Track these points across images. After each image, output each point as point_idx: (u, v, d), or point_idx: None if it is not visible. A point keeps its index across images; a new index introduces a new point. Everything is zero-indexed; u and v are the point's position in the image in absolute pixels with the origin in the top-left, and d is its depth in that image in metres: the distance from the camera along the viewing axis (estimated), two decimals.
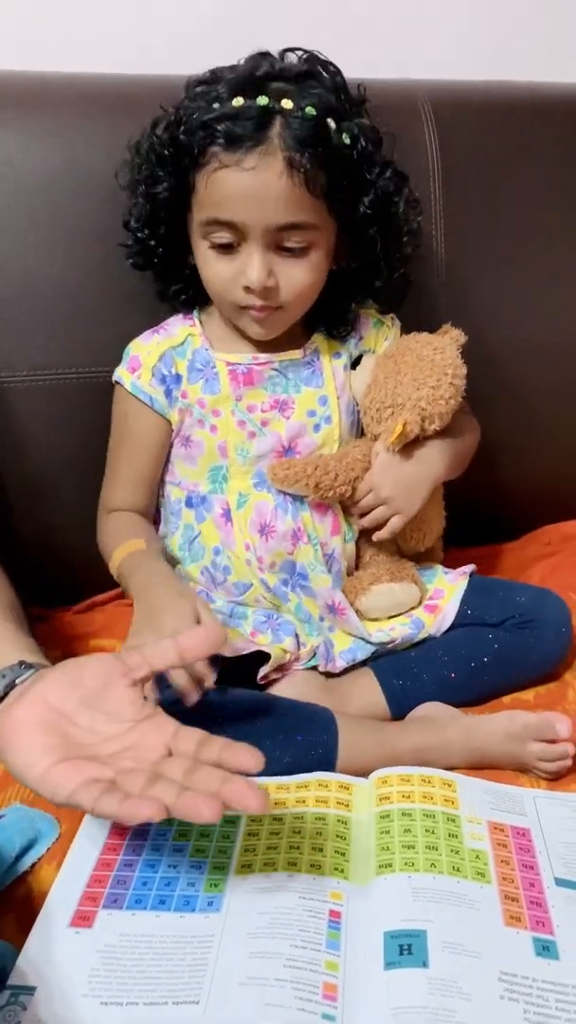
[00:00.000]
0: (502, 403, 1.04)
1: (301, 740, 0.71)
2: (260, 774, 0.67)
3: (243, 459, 0.81)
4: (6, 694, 0.59)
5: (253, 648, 0.79)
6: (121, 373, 0.83)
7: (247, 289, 0.73)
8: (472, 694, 0.80)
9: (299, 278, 0.74)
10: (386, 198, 0.77)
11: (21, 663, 0.62)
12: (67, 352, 0.88)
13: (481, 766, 0.73)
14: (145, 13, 1.02)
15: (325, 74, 0.74)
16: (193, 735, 0.56)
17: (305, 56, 0.75)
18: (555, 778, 0.72)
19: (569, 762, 0.72)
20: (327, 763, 0.71)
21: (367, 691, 0.80)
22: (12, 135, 0.85)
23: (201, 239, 0.75)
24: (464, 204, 0.98)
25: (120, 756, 0.55)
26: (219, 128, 0.69)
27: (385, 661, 0.83)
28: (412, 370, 0.80)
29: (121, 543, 0.79)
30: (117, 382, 0.83)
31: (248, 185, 0.70)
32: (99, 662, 0.60)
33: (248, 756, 0.54)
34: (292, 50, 0.75)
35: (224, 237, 0.73)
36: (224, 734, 0.68)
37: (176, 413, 0.81)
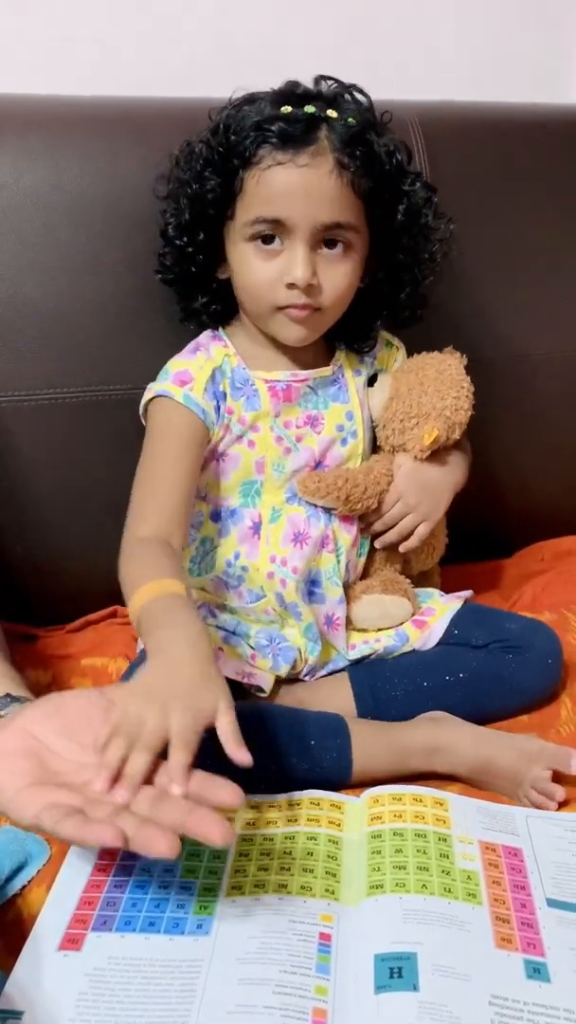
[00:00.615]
0: (496, 420, 1.04)
1: (315, 745, 0.72)
2: (281, 784, 0.69)
3: (279, 474, 0.82)
4: None
5: (249, 681, 0.80)
6: (168, 387, 0.80)
7: (290, 286, 0.75)
8: (442, 707, 0.79)
9: (340, 279, 0.76)
10: (417, 208, 0.81)
11: (7, 695, 0.64)
12: (63, 373, 0.88)
13: (480, 779, 0.73)
14: (143, 36, 1.03)
15: (354, 98, 0.78)
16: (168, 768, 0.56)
17: (335, 84, 0.79)
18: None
19: (554, 805, 0.71)
20: (343, 766, 0.72)
21: (337, 690, 0.81)
22: (7, 157, 0.86)
23: (244, 241, 0.76)
24: (454, 223, 0.99)
25: (93, 784, 0.55)
26: (272, 128, 0.73)
27: (360, 664, 0.84)
28: (434, 383, 0.85)
29: (132, 592, 0.67)
30: (162, 395, 0.80)
31: (300, 182, 0.73)
32: (80, 697, 0.60)
33: (227, 791, 0.52)
34: (325, 78, 0.79)
35: (268, 231, 0.74)
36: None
37: (220, 430, 0.81)
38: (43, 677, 0.88)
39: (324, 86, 0.78)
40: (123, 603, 0.97)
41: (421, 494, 0.84)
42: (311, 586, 0.83)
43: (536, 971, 0.55)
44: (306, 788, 0.71)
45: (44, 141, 0.87)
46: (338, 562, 0.83)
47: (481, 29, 1.17)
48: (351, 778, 0.72)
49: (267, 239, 0.75)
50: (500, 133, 1.03)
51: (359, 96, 0.79)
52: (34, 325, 0.87)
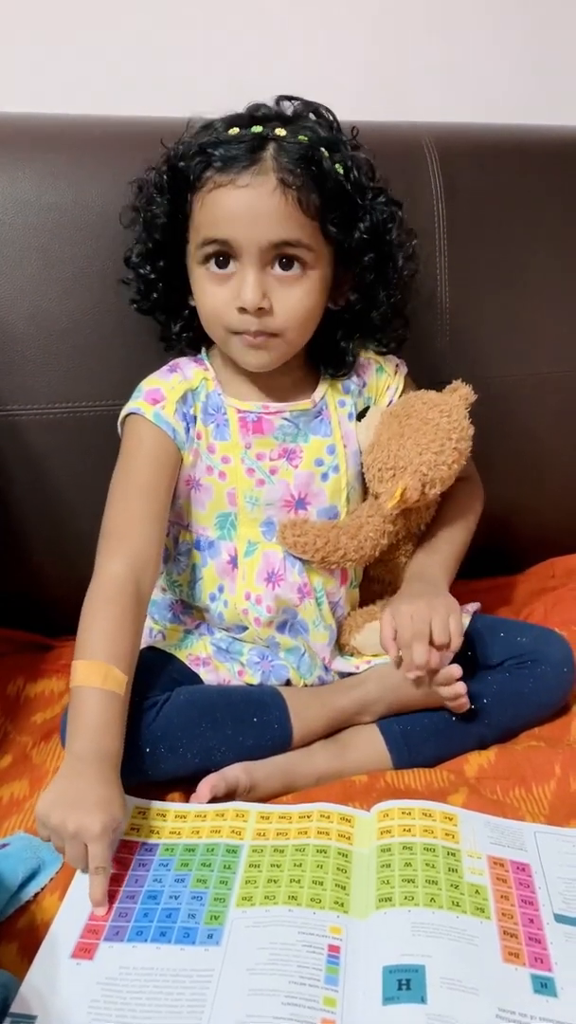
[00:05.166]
0: (506, 438, 1.05)
1: (257, 722, 0.76)
2: (225, 759, 0.73)
3: (252, 506, 0.81)
4: None
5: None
6: (139, 405, 0.79)
7: (242, 311, 0.73)
8: (473, 736, 0.80)
9: (294, 301, 0.74)
10: (381, 224, 0.78)
11: None
12: (82, 385, 0.90)
13: (408, 711, 0.80)
14: (158, 58, 1.05)
15: (318, 116, 0.77)
16: None
17: (299, 103, 0.78)
18: (459, 703, 0.77)
19: (465, 693, 0.76)
20: (285, 735, 0.77)
21: (369, 741, 0.79)
22: (28, 175, 0.88)
23: (197, 265, 0.76)
24: (468, 244, 1.00)
25: None
26: (215, 152, 0.72)
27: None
28: (416, 433, 0.79)
29: (84, 656, 0.70)
30: (133, 413, 0.80)
31: (242, 202, 0.71)
32: None
33: None
34: (288, 98, 0.78)
35: (216, 252, 0.73)
36: (185, 730, 0.70)
37: (190, 454, 0.80)
38: (57, 686, 0.89)
39: (286, 105, 0.78)
40: None
41: (415, 626, 0.75)
42: (300, 628, 0.82)
43: (544, 986, 0.56)
44: (253, 758, 0.75)
45: (66, 160, 0.89)
46: (319, 607, 0.82)
47: (499, 52, 1.18)
48: (291, 744, 0.77)
49: (220, 263, 0.74)
50: (516, 156, 1.04)
51: (324, 113, 0.77)
52: (53, 339, 0.89)
